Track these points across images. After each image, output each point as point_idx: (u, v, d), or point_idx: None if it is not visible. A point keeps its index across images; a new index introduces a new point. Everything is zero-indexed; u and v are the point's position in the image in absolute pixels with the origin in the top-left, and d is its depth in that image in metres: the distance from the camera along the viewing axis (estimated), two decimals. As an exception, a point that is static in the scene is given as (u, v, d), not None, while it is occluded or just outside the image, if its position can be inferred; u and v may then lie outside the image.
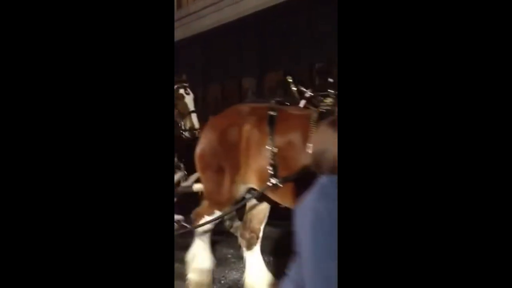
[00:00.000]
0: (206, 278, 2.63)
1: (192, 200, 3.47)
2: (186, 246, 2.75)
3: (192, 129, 3.91)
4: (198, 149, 2.64)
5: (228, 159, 2.46)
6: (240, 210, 2.86)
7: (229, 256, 3.50)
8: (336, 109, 3.31)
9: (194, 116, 3.96)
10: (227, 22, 8.24)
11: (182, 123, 3.95)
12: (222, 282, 3.01)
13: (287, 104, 2.83)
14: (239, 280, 2.98)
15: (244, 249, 2.70)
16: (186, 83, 4.07)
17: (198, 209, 2.72)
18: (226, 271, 3.18)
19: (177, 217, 3.34)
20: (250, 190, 2.58)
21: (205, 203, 2.70)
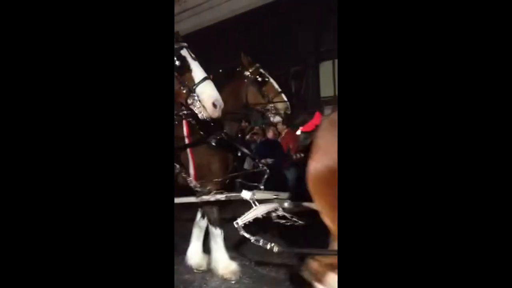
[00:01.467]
0: None
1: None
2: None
3: (286, 110, 3.32)
4: (319, 167, 1.61)
5: None
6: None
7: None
8: None
9: (283, 96, 3.36)
10: (206, 26, 8.23)
11: (271, 107, 3.28)
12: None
13: None
14: (220, 286, 3.01)
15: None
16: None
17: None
18: (207, 278, 3.15)
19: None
20: None
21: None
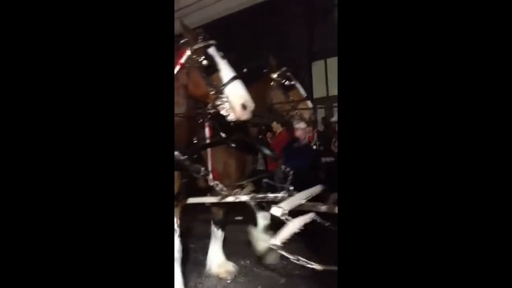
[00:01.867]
0: None
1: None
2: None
3: (311, 116, 3.38)
4: None
5: None
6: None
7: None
8: None
9: (309, 103, 3.34)
10: (197, 25, 8.20)
11: (296, 112, 3.25)
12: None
13: None
14: (216, 286, 3.01)
15: None
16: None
17: None
18: (203, 278, 3.17)
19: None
20: None
21: None
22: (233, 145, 2.90)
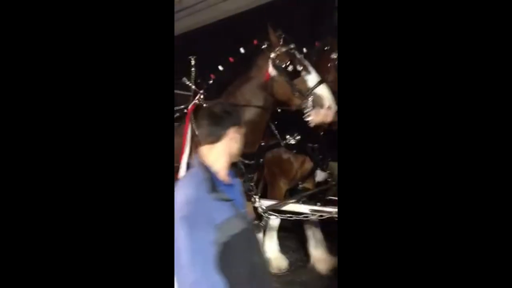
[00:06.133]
0: None
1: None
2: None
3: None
4: None
5: None
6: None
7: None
8: None
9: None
10: (203, 25, 8.16)
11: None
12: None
13: None
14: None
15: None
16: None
17: None
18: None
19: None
20: None
21: None
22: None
